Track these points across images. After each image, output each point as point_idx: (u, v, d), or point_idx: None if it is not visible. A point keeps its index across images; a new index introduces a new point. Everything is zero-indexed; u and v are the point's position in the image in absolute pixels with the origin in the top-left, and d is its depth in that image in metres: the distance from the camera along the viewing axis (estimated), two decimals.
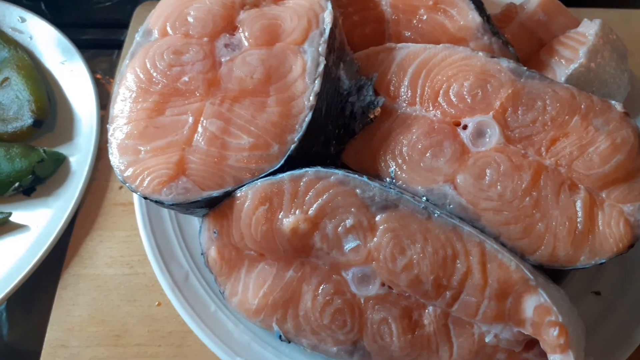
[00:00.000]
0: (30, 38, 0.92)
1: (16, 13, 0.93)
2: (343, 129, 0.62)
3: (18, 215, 0.77)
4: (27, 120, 0.81)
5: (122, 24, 1.03)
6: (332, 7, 0.61)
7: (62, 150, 0.82)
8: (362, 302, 0.52)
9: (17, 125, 0.81)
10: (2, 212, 0.76)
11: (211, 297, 0.60)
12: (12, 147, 0.79)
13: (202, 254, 0.57)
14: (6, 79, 0.84)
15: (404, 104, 0.60)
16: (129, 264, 0.74)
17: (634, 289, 0.62)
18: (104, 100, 0.92)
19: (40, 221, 0.76)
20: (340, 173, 0.52)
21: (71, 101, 0.86)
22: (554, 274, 0.57)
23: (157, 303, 0.71)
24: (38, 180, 0.79)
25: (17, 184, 0.77)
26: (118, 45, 1.00)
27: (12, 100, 0.82)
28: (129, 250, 0.75)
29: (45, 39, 0.91)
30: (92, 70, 1.01)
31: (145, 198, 0.53)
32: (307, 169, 0.53)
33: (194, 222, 0.66)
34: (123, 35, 1.03)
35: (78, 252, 0.75)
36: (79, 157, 0.81)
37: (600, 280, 0.62)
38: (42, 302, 0.74)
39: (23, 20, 0.93)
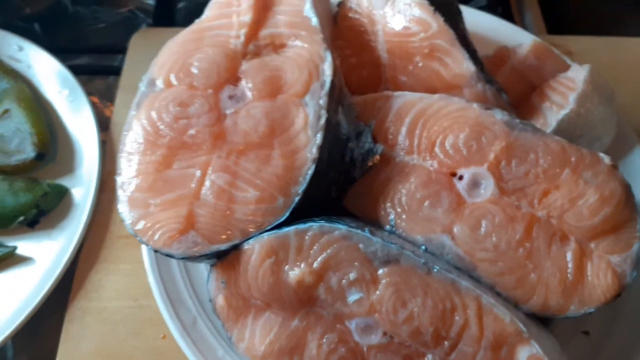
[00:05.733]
0: (29, 67, 0.92)
1: (14, 41, 0.94)
2: (343, 175, 0.64)
3: (22, 248, 0.78)
4: (30, 153, 0.82)
5: (117, 49, 1.04)
6: (332, 58, 0.63)
7: (64, 181, 0.83)
8: (365, 350, 0.55)
9: (20, 158, 0.82)
10: (7, 247, 0.77)
11: (219, 341, 0.62)
12: (16, 180, 0.80)
13: (209, 300, 0.59)
14: (6, 110, 0.85)
15: (402, 153, 0.62)
16: (133, 297, 0.75)
17: (622, 329, 0.65)
18: (101, 125, 0.94)
19: (45, 255, 0.77)
20: (344, 228, 0.54)
21: (71, 131, 0.87)
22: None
23: (162, 336, 0.73)
24: (42, 213, 0.80)
25: (21, 218, 0.78)
26: (113, 72, 1.01)
27: (14, 133, 0.83)
28: (134, 283, 0.76)
29: (43, 68, 0.92)
30: (89, 94, 1.02)
31: (156, 251, 0.55)
32: (312, 223, 0.55)
33: (201, 266, 0.68)
34: (116, 61, 1.04)
35: (83, 285, 0.77)
36: (82, 189, 0.82)
37: (588, 320, 0.65)
38: (49, 335, 0.76)
39: (21, 48, 0.93)
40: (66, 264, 0.75)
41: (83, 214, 0.79)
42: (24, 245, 0.79)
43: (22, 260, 0.78)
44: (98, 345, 0.72)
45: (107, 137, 0.91)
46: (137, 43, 1.00)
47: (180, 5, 1.19)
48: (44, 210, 0.80)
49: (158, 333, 0.73)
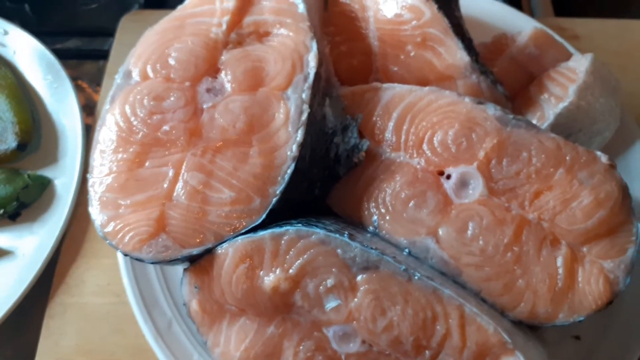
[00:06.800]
0: (14, 52, 0.90)
1: None
2: (327, 171, 0.61)
3: (3, 241, 0.77)
4: (11, 143, 0.80)
5: (108, 32, 1.01)
6: (317, 48, 0.59)
7: (47, 172, 0.81)
8: (343, 358, 0.53)
9: (1, 149, 0.80)
10: None
11: (194, 345, 0.61)
12: None
13: (184, 304, 0.57)
14: None
15: (388, 149, 0.59)
16: (115, 293, 0.74)
17: (613, 334, 0.63)
18: (89, 110, 0.92)
19: (27, 248, 0.76)
20: (321, 233, 0.52)
21: (55, 120, 0.85)
22: None
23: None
24: (23, 205, 0.78)
25: (1, 211, 0.76)
26: (102, 56, 0.99)
27: None
28: (116, 278, 0.74)
29: (29, 54, 0.89)
30: (78, 77, 1.00)
31: (126, 255, 0.53)
32: (288, 227, 0.52)
33: (178, 267, 0.65)
34: (106, 44, 1.01)
35: (65, 280, 0.75)
36: (64, 180, 0.80)
37: (579, 324, 0.62)
38: (32, 329, 0.75)
39: (6, 32, 0.91)
40: (47, 258, 0.74)
41: (65, 206, 0.77)
42: (4, 238, 0.77)
43: (3, 253, 0.76)
44: (79, 342, 0.71)
45: (94, 125, 0.88)
46: (126, 26, 0.97)
47: None
48: (24, 202, 0.78)
49: (140, 330, 0.71)
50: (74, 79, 0.90)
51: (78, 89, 0.98)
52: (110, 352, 0.70)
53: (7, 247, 0.76)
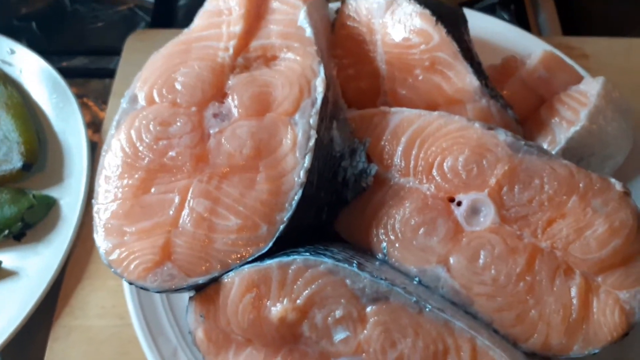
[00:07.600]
0: (20, 72, 0.90)
1: (5, 44, 0.91)
2: (335, 196, 0.60)
3: (8, 261, 0.76)
4: (17, 163, 0.79)
5: (114, 51, 1.01)
6: (325, 72, 0.59)
7: (53, 192, 0.80)
8: None
9: (6, 169, 0.79)
10: None
11: None
12: (1, 192, 0.77)
13: (189, 332, 0.56)
14: None
15: (397, 174, 0.58)
16: (119, 315, 0.73)
17: None
18: (95, 127, 0.91)
19: (31, 269, 0.75)
20: (329, 262, 0.51)
21: (61, 140, 0.84)
22: None
23: None
24: (28, 226, 0.77)
25: (6, 232, 0.76)
26: (109, 74, 0.98)
27: (1, 141, 0.81)
28: (121, 300, 0.73)
29: (35, 73, 0.89)
30: (84, 95, 1.00)
31: (131, 283, 0.52)
32: (296, 256, 0.51)
33: (184, 294, 0.65)
34: (112, 63, 1.01)
35: (69, 302, 0.74)
36: (70, 200, 0.79)
37: (593, 356, 0.61)
38: (34, 352, 0.74)
39: (12, 52, 0.90)
40: (52, 279, 0.73)
41: (71, 227, 0.76)
42: (9, 259, 0.76)
43: (8, 274, 0.75)
44: None
45: (100, 143, 0.88)
46: (132, 45, 0.96)
47: (181, 3, 1.15)
48: (29, 223, 0.77)
49: (144, 354, 0.70)
50: (80, 96, 0.90)
51: (84, 106, 0.98)
52: None
53: (12, 267, 0.76)
